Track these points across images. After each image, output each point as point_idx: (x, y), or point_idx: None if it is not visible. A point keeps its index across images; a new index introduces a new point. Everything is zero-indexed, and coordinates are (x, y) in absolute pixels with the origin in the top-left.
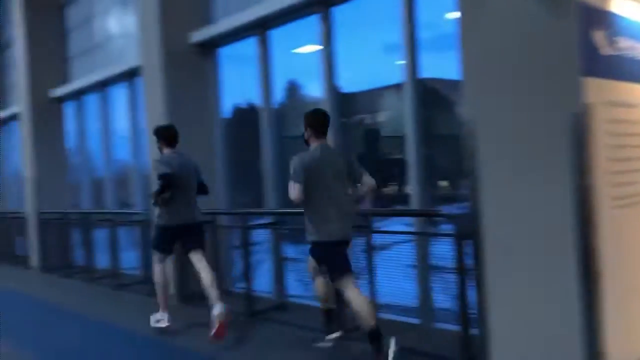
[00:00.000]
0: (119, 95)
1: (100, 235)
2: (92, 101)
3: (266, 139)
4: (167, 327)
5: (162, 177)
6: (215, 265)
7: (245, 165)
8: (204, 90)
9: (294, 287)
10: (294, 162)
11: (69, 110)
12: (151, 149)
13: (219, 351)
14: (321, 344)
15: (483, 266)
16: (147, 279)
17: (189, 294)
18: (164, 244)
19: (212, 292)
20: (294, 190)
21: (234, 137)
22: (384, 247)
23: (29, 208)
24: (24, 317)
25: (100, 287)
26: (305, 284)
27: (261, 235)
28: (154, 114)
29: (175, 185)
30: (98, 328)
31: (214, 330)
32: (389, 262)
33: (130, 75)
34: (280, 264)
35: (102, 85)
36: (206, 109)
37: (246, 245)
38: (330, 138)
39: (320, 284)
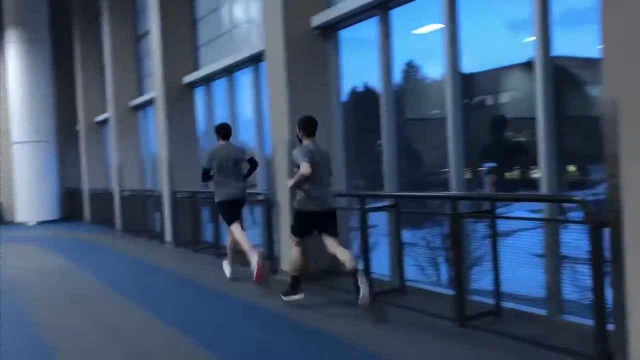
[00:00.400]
0: (245, 79)
1: None
2: (219, 86)
3: (386, 121)
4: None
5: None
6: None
7: (364, 148)
8: (325, 74)
9: (412, 271)
10: (301, 150)
11: (199, 95)
12: (273, 132)
13: (355, 334)
14: (288, 299)
15: (622, 256)
16: (269, 257)
17: (317, 272)
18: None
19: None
20: (307, 166)
21: (353, 120)
22: (508, 234)
23: (163, 187)
24: (155, 287)
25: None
26: (423, 269)
27: (379, 218)
28: (277, 97)
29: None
30: (224, 300)
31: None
32: (513, 250)
33: (255, 60)
34: (399, 247)
35: (229, 71)
36: (326, 92)
37: (365, 228)
38: (451, 119)
39: (295, 253)
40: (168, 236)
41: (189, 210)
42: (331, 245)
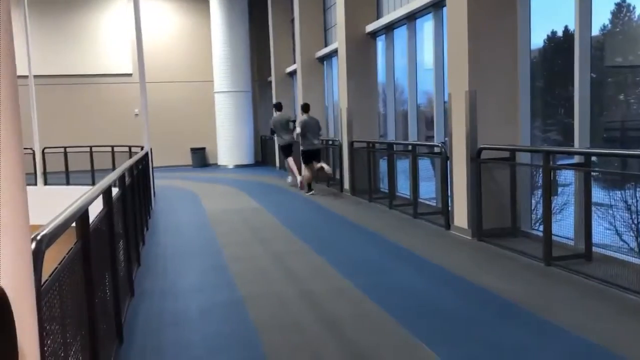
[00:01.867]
0: (426, 27)
1: (403, 165)
2: (400, 34)
3: (580, 68)
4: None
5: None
6: (513, 205)
7: (552, 98)
8: (512, 19)
9: (600, 236)
10: (299, 121)
11: (380, 45)
12: (451, 82)
13: (514, 299)
14: (306, 194)
15: None
16: (443, 210)
17: (486, 231)
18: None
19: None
20: (299, 129)
21: (542, 68)
22: None
23: (343, 137)
24: (331, 232)
25: (399, 213)
26: (615, 235)
27: (566, 177)
28: (457, 44)
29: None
30: (394, 249)
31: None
32: None
33: (436, 6)
34: (587, 210)
35: (411, 18)
36: (513, 39)
37: (548, 187)
38: None
39: (306, 172)
40: (346, 184)
41: (365, 160)
42: (315, 164)
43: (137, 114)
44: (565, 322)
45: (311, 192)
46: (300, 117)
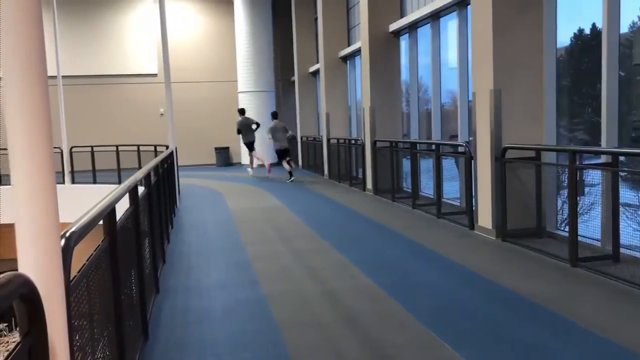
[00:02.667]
0: (450, 25)
1: (426, 165)
2: (424, 33)
3: (608, 66)
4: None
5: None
6: (538, 206)
7: (579, 97)
8: (538, 16)
9: (629, 237)
10: (270, 127)
11: (403, 43)
12: (476, 80)
13: (539, 300)
14: (290, 181)
15: None
16: (467, 210)
17: (510, 231)
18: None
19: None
20: (271, 134)
21: (569, 66)
22: None
23: (365, 136)
24: (354, 231)
25: (423, 213)
26: None
27: (593, 176)
28: (482, 42)
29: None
30: (417, 249)
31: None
32: None
33: (460, 4)
34: (615, 210)
35: (434, 17)
36: (538, 37)
37: (574, 187)
38: None
39: (286, 165)
40: (369, 183)
41: (388, 160)
42: (283, 162)
43: (162, 114)
44: (591, 323)
45: (293, 178)
46: (271, 122)
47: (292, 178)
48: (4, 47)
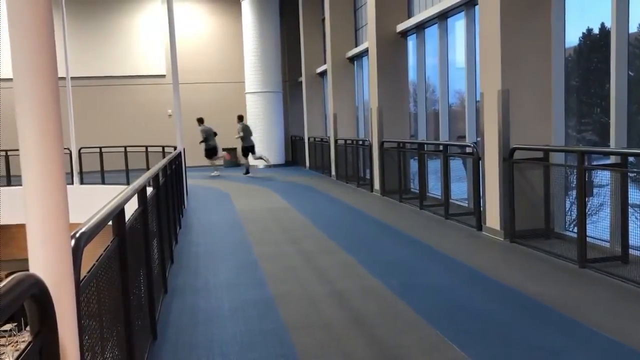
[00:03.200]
0: (457, 26)
1: (433, 165)
2: (431, 34)
3: (617, 66)
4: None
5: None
6: (546, 207)
7: (588, 97)
8: (546, 16)
9: (638, 238)
10: (239, 127)
11: (411, 44)
12: (483, 81)
13: (547, 301)
14: (247, 175)
15: None
16: (475, 211)
17: (519, 232)
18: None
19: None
20: (241, 133)
21: (577, 66)
22: None
23: (373, 137)
24: (361, 232)
25: (430, 214)
26: None
27: (602, 177)
28: (490, 42)
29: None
30: (424, 249)
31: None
32: None
33: (468, 5)
34: (624, 211)
35: (442, 17)
36: (547, 37)
37: (582, 187)
38: None
39: (247, 161)
40: (376, 184)
41: (396, 160)
42: (250, 158)
43: (170, 115)
44: (599, 324)
45: (250, 174)
46: (238, 124)
47: (250, 173)
48: (15, 48)
